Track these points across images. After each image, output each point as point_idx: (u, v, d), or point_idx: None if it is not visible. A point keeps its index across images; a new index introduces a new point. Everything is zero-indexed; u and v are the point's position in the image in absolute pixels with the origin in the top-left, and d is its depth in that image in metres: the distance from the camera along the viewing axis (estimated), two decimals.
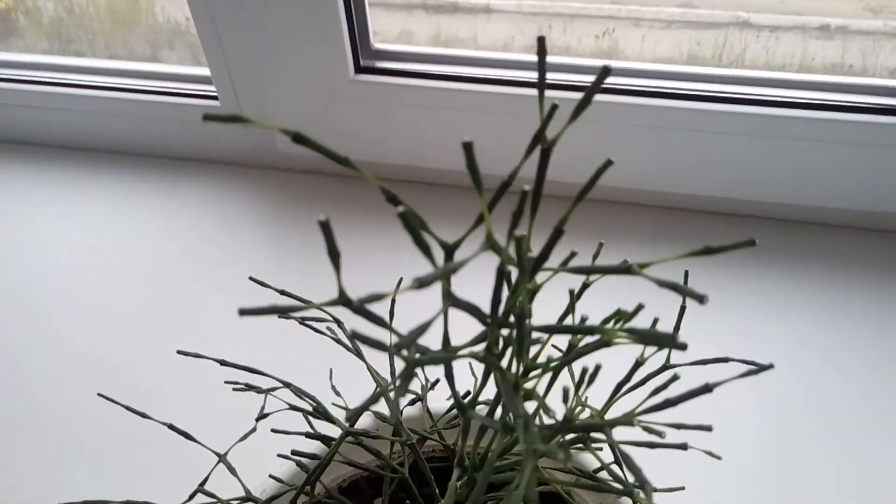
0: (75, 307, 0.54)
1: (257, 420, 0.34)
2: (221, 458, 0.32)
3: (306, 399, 0.29)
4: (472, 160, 0.14)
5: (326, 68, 0.55)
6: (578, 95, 0.54)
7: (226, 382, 0.32)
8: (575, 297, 0.18)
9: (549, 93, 0.54)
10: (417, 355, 0.14)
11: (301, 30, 0.53)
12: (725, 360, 0.24)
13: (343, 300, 0.14)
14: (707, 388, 0.15)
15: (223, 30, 0.55)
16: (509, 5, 0.72)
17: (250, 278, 0.30)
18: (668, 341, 0.13)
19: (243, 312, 0.14)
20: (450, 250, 0.15)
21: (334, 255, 0.13)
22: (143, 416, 0.32)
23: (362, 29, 0.55)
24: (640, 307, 0.15)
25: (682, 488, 0.25)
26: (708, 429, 0.16)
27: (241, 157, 0.65)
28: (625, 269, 0.14)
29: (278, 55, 0.55)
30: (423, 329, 0.12)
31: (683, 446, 0.17)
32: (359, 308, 0.13)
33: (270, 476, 0.31)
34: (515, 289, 0.16)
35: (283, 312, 0.14)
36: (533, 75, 0.56)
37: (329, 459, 0.29)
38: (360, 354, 0.28)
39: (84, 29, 0.69)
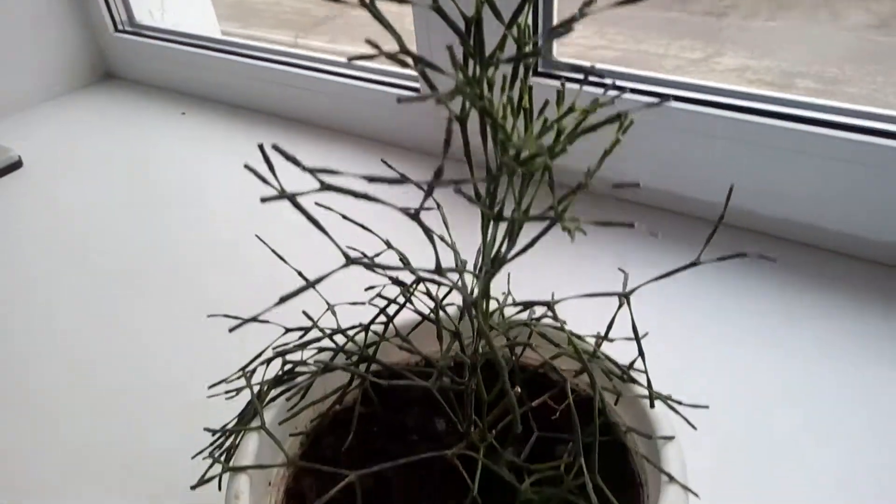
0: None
1: (367, 290, 0.41)
2: (330, 307, 0.39)
3: (402, 256, 0.35)
4: None
5: None
6: None
7: (347, 247, 0.39)
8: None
9: None
10: None
11: None
12: (744, 255, 0.26)
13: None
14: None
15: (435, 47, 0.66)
16: None
17: (385, 163, 0.37)
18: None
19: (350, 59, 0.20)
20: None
21: None
22: (283, 260, 0.40)
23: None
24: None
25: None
26: (636, 185, 0.19)
27: (427, 146, 0.75)
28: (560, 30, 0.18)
29: None
30: None
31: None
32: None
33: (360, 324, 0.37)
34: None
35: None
36: None
37: (404, 302, 0.35)
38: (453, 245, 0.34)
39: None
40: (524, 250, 0.25)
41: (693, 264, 0.27)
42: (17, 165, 0.79)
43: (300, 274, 0.40)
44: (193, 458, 0.37)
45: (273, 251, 0.39)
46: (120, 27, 0.99)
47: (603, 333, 0.32)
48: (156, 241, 0.66)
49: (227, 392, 0.39)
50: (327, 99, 0.81)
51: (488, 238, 0.25)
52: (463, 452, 0.30)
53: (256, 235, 0.44)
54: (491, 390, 0.32)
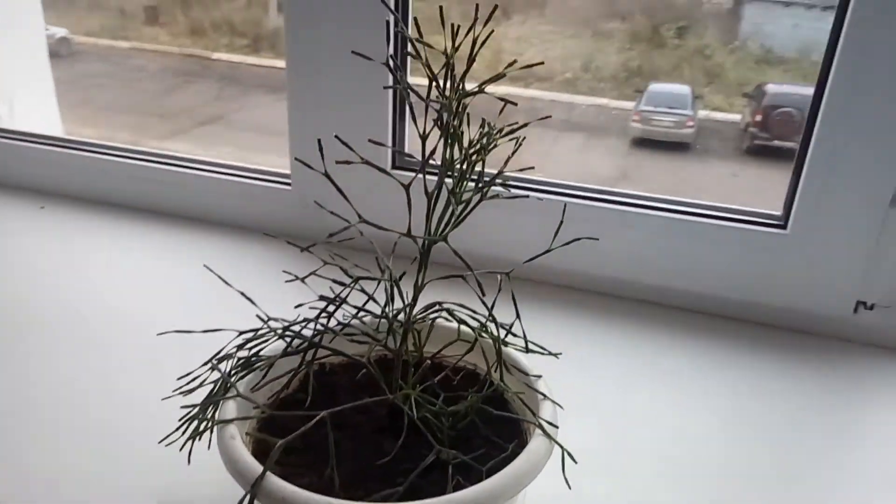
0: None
1: (297, 307, 0.50)
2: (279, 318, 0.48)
3: (343, 268, 0.46)
4: None
5: None
6: None
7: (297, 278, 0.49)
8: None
9: None
10: None
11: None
12: (578, 239, 0.41)
13: None
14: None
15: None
16: None
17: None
18: None
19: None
20: None
21: None
22: (226, 282, 0.49)
23: None
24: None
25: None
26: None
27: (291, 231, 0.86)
28: None
29: None
30: None
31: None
32: None
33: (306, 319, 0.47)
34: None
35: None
36: None
37: (341, 302, 0.45)
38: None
39: None
40: (458, 223, 0.38)
41: (547, 251, 0.42)
42: None
43: (243, 294, 0.49)
44: (170, 435, 0.43)
45: (213, 272, 0.48)
46: None
47: (488, 316, 0.46)
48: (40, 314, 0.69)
49: (187, 385, 0.45)
50: (175, 189, 0.90)
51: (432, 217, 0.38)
52: (403, 395, 0.41)
53: (205, 265, 0.52)
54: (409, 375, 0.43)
